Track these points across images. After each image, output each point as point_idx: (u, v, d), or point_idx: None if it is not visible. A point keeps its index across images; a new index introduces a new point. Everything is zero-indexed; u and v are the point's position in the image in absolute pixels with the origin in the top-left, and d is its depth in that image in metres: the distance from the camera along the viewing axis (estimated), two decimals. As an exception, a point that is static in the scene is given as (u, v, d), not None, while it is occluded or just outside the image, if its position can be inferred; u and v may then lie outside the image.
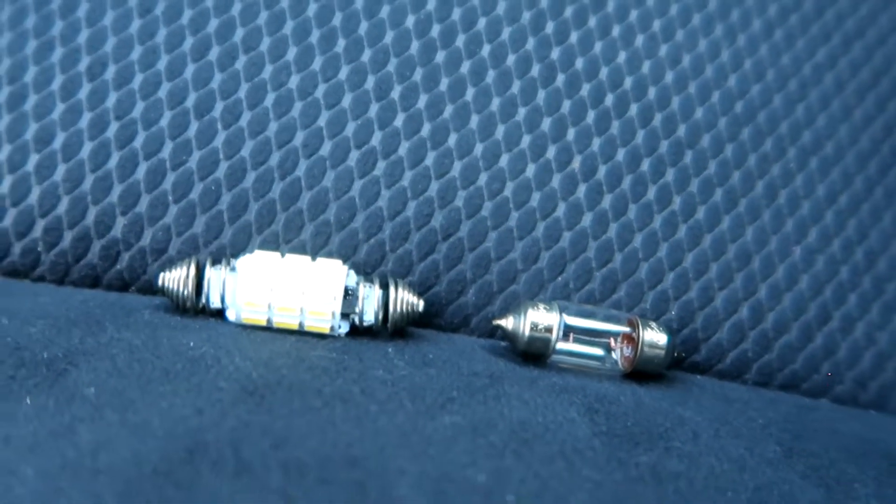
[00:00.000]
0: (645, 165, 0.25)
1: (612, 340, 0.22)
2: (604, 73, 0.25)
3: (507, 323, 0.22)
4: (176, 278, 0.21)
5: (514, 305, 0.23)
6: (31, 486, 0.15)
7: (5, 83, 0.24)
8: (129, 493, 0.15)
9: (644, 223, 0.24)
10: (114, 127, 0.23)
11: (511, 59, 0.25)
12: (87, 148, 0.23)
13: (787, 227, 0.25)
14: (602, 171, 0.24)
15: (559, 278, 0.24)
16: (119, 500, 0.14)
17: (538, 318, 0.22)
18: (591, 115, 0.25)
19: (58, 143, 0.23)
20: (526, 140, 0.24)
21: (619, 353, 0.22)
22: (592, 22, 0.26)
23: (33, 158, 0.23)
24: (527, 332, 0.22)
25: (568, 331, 0.22)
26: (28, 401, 0.17)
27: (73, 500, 0.15)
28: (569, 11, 0.26)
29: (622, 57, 0.26)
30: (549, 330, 0.22)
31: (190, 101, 0.24)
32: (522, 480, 0.16)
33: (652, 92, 0.25)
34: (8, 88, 0.24)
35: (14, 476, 0.15)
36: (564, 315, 0.22)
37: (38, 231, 0.23)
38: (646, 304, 0.24)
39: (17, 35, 0.24)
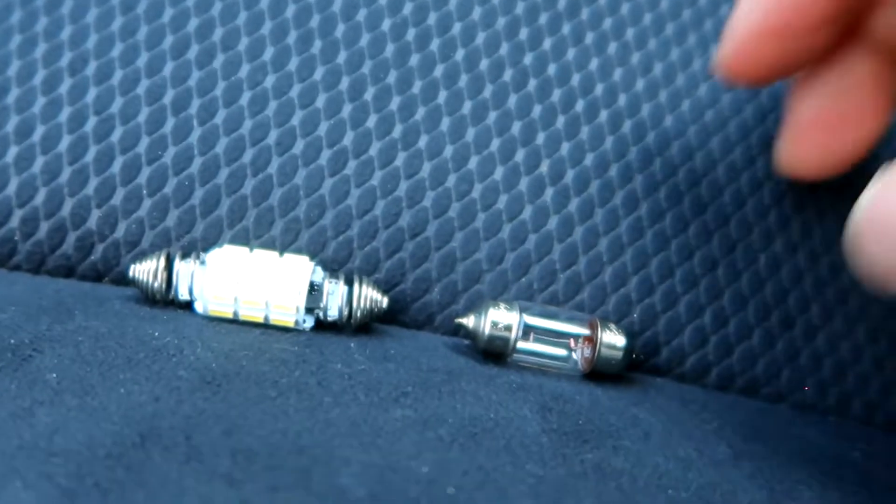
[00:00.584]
0: (613, 171, 0.25)
1: (572, 341, 0.23)
2: (575, 79, 0.26)
3: (469, 321, 0.22)
4: (146, 270, 0.22)
5: (476, 304, 0.23)
6: (-12, 465, 0.15)
7: (-11, 76, 0.24)
8: (80, 474, 0.15)
9: (610, 227, 0.25)
10: (92, 121, 0.24)
11: (484, 64, 0.26)
12: (66, 141, 0.24)
13: (754, 236, 0.26)
14: (570, 175, 0.25)
15: (523, 279, 0.24)
16: (70, 481, 0.15)
17: (499, 317, 0.22)
18: (560, 120, 0.25)
19: (37, 136, 0.24)
20: (496, 143, 0.25)
21: (580, 354, 0.23)
22: (566, 29, 0.26)
23: (13, 150, 0.24)
24: (487, 331, 0.22)
25: (528, 330, 0.23)
26: (-9, 384, 0.17)
27: (26, 479, 0.15)
28: (543, 18, 0.26)
29: (594, 64, 0.26)
30: (508, 329, 0.22)
31: (167, 98, 0.24)
32: (465, 473, 0.17)
33: (622, 99, 0.26)
34: (-9, 81, 0.24)
35: (-28, 455, 0.16)
36: (525, 315, 0.22)
37: (15, 221, 0.23)
38: (608, 307, 0.25)
39: (2, 31, 0.25)
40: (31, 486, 0.15)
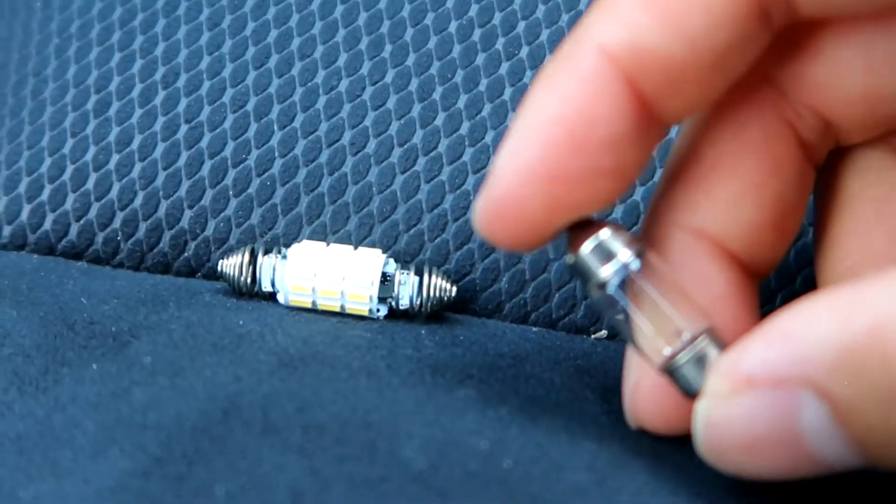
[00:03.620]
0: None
1: None
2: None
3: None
4: (233, 264, 0.24)
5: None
6: (91, 436, 0.17)
7: (93, 91, 0.27)
8: (170, 444, 0.17)
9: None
10: (183, 129, 0.26)
11: (548, 59, 0.26)
12: (160, 148, 0.26)
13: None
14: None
15: (589, 267, 0.25)
16: (161, 450, 0.17)
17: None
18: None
19: (135, 144, 0.26)
20: (560, 136, 0.26)
21: None
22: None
23: (114, 158, 0.26)
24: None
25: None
26: (95, 366, 0.19)
27: (124, 449, 0.17)
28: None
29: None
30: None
31: (250, 105, 0.26)
32: (522, 448, 0.18)
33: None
34: (95, 96, 0.27)
35: (77, 428, 0.18)
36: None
37: (117, 222, 0.26)
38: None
39: (104, 49, 0.27)
40: (127, 454, 0.17)
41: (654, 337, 0.16)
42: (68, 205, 0.26)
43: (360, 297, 0.23)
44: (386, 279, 0.23)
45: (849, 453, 0.14)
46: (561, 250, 0.25)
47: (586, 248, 0.16)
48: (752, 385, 0.14)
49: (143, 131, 0.26)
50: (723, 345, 0.16)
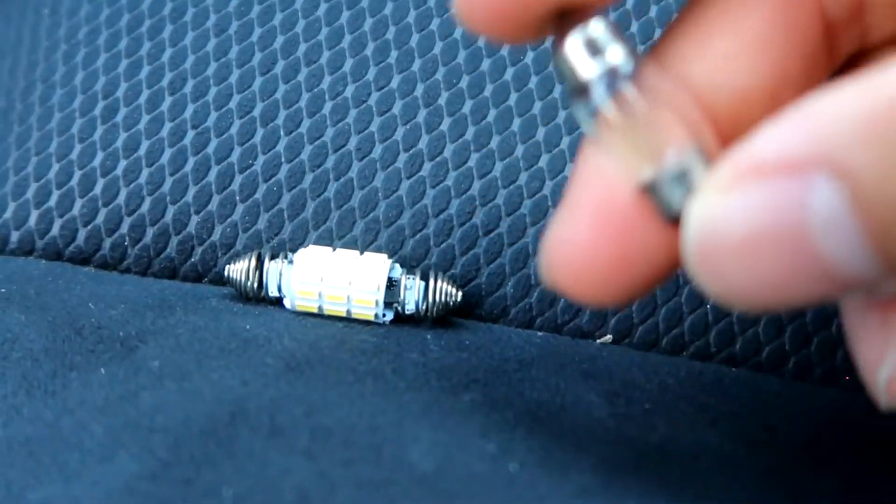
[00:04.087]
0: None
1: None
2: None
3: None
4: (240, 270, 0.24)
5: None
6: (99, 440, 0.17)
7: (101, 98, 0.27)
8: (177, 447, 0.17)
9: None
10: (190, 135, 0.26)
11: (552, 66, 0.26)
12: (167, 154, 0.26)
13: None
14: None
15: (594, 272, 0.25)
16: (169, 453, 0.17)
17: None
18: (629, 117, 0.26)
19: (142, 150, 0.26)
20: (566, 141, 0.26)
21: None
22: (635, 28, 0.27)
23: (122, 164, 0.26)
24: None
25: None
26: (103, 371, 0.20)
27: (132, 452, 0.17)
28: (612, 19, 0.27)
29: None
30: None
31: (257, 111, 0.26)
32: (529, 451, 0.18)
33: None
34: (102, 102, 0.27)
35: (86, 431, 0.18)
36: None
37: (125, 228, 0.26)
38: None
39: (111, 56, 0.27)
40: (135, 458, 0.17)
41: (636, 152, 0.14)
42: (76, 210, 0.26)
43: (367, 301, 0.23)
44: (392, 284, 0.23)
45: (863, 255, 0.12)
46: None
47: (572, 41, 0.14)
48: (759, 173, 0.12)
49: (151, 137, 0.26)
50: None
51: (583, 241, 0.14)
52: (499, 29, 0.14)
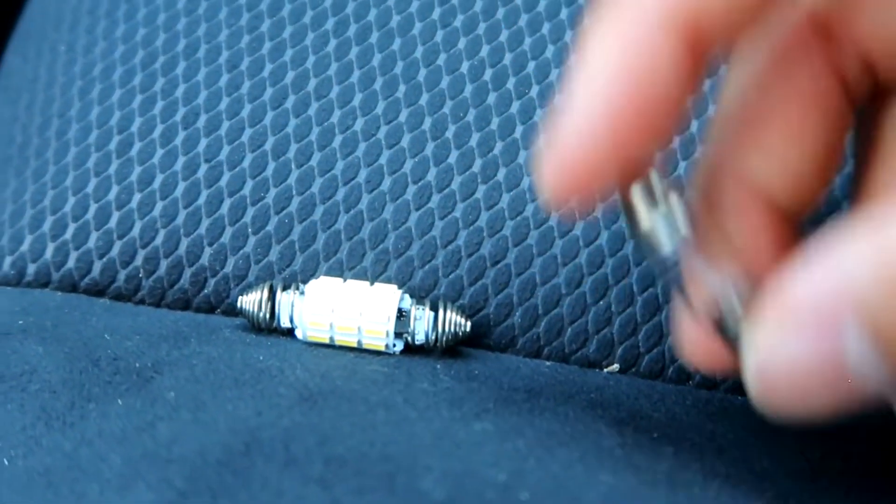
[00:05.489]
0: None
1: None
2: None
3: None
4: (252, 301, 0.24)
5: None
6: (117, 470, 0.18)
7: (116, 132, 0.28)
8: (194, 478, 0.17)
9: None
10: (203, 168, 0.27)
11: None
12: (181, 187, 0.26)
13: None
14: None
15: (601, 302, 0.25)
16: (185, 484, 0.17)
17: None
18: (634, 149, 0.26)
19: (156, 183, 0.27)
20: (571, 173, 0.26)
21: None
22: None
23: (136, 197, 0.26)
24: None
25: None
26: (120, 402, 0.20)
27: (149, 483, 0.17)
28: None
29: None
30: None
31: (268, 145, 0.27)
32: (539, 481, 0.18)
33: (695, 125, 0.27)
34: (117, 137, 0.27)
35: (104, 462, 0.18)
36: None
37: (139, 260, 0.26)
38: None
39: (126, 91, 0.28)
40: (153, 488, 0.17)
41: (697, 287, 0.17)
42: (91, 243, 0.26)
43: (377, 332, 0.24)
44: (402, 315, 0.24)
45: (884, 376, 0.14)
46: (576, 280, 0.25)
47: (636, 192, 0.17)
48: (801, 325, 0.15)
49: (164, 171, 0.27)
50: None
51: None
52: (582, 197, 0.16)
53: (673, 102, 0.16)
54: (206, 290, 0.26)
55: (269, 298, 0.24)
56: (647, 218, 0.17)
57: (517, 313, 0.25)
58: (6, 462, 0.18)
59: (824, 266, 0.14)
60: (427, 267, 0.26)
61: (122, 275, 0.26)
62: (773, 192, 0.18)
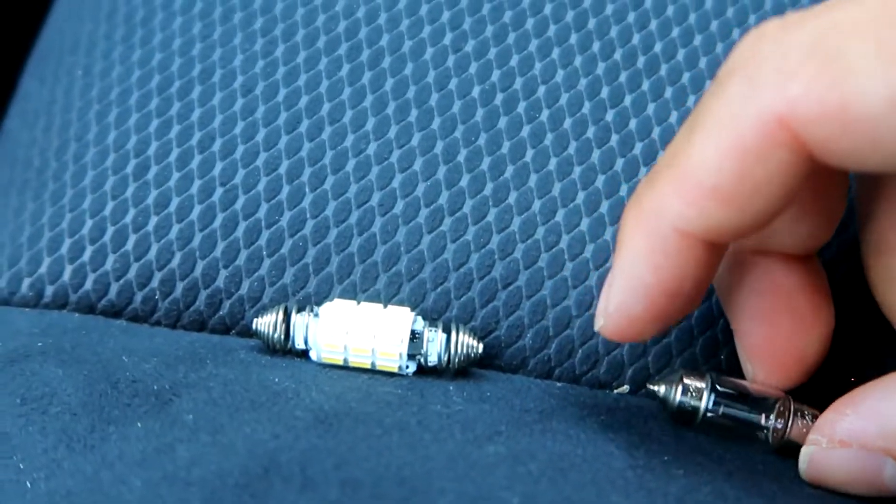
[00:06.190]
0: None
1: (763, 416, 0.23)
2: (656, 132, 0.27)
3: (660, 388, 0.23)
4: (267, 323, 0.25)
5: (668, 371, 0.25)
6: (138, 493, 0.18)
7: (132, 156, 0.28)
8: (213, 500, 0.18)
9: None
10: (219, 192, 0.27)
11: (568, 123, 0.27)
12: (197, 210, 0.27)
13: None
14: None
15: (611, 323, 0.26)
16: (205, 506, 0.17)
17: (690, 383, 0.23)
18: (642, 172, 0.27)
19: (173, 206, 0.27)
20: (581, 196, 0.27)
21: (771, 426, 0.22)
22: (646, 85, 0.28)
23: (153, 220, 0.27)
24: (678, 397, 0.23)
25: (719, 400, 0.23)
26: (139, 424, 0.20)
27: (169, 505, 0.18)
28: (623, 77, 0.28)
29: (674, 117, 0.28)
30: (699, 396, 0.23)
31: (283, 168, 0.27)
32: (552, 502, 0.18)
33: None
34: (134, 160, 0.28)
35: (124, 485, 0.18)
36: (717, 385, 0.23)
37: (155, 282, 0.27)
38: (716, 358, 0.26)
39: (142, 116, 0.28)
40: (174, 511, 0.17)
41: (755, 425, 0.23)
42: (108, 265, 0.27)
43: (391, 354, 0.24)
44: (415, 336, 0.24)
45: None
46: (586, 303, 0.26)
47: (680, 396, 0.23)
48: (844, 445, 0.21)
49: (181, 194, 0.27)
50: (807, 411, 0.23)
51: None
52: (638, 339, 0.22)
53: (693, 284, 0.20)
54: (221, 312, 0.26)
55: (283, 320, 0.25)
56: (674, 404, 0.23)
57: (528, 335, 0.26)
58: (29, 485, 0.18)
59: (869, 414, 0.21)
60: (439, 289, 0.26)
61: (138, 296, 0.27)
62: (790, 252, 0.22)
